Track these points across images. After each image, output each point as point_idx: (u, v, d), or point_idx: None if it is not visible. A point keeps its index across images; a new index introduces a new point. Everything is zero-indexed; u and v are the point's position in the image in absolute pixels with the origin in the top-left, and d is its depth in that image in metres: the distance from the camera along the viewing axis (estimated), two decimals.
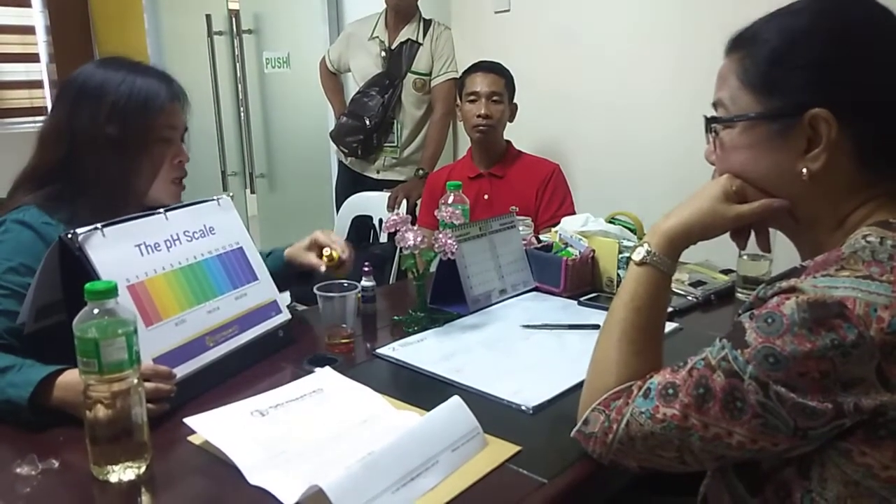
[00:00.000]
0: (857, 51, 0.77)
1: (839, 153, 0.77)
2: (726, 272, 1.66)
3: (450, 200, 1.60)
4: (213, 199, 1.30)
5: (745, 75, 0.82)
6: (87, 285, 0.86)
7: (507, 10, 2.70)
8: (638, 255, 0.89)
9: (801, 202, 0.82)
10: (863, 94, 0.77)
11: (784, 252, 0.92)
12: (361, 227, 2.84)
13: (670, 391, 0.77)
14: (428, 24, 2.85)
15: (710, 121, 0.87)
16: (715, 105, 0.87)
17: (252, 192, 3.86)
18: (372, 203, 2.83)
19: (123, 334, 0.86)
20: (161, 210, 1.18)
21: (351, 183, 2.99)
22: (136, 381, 0.88)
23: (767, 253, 0.91)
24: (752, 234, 0.91)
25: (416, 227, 1.35)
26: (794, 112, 0.77)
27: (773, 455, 0.73)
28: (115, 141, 1.23)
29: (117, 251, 1.07)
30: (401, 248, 1.36)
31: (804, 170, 0.78)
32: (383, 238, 2.76)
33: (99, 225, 1.06)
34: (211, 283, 1.19)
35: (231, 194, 1.99)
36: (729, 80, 0.84)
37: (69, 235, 1.03)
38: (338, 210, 2.98)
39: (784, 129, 0.79)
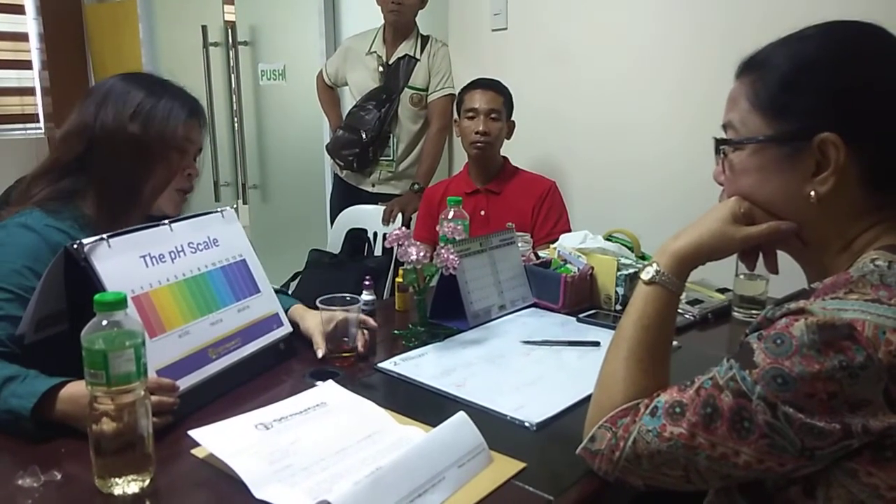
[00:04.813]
0: (867, 77, 0.78)
1: (847, 177, 0.78)
2: (723, 291, 1.67)
3: (450, 216, 1.61)
4: (217, 212, 1.30)
5: (755, 98, 0.83)
6: (97, 296, 0.86)
7: (505, 29, 2.73)
8: (647, 275, 0.90)
9: (808, 225, 0.83)
10: (871, 120, 0.78)
11: (780, 272, 0.94)
12: (356, 241, 2.84)
13: (677, 410, 0.78)
14: (425, 40, 2.87)
15: (719, 142, 0.88)
16: (725, 127, 0.88)
17: (244, 202, 3.86)
18: (367, 216, 2.83)
19: (132, 346, 0.85)
20: (166, 221, 1.18)
21: (346, 196, 2.99)
22: (142, 393, 0.88)
23: (775, 274, 0.92)
24: (761, 255, 0.92)
25: (418, 242, 1.36)
26: (804, 136, 0.79)
27: (778, 475, 0.74)
28: (134, 141, 1.25)
29: (122, 262, 1.07)
30: (402, 263, 1.37)
31: (812, 193, 0.80)
32: (378, 251, 2.76)
33: (105, 235, 1.06)
34: (214, 295, 1.19)
35: (235, 206, 1.98)
36: (739, 102, 0.85)
37: (75, 246, 1.03)
38: (332, 222, 2.98)
39: (793, 153, 0.80)
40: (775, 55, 0.83)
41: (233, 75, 3.82)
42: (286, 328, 1.32)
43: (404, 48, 2.84)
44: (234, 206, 3.80)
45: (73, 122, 1.29)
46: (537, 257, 1.78)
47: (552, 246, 1.78)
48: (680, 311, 1.55)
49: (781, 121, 0.81)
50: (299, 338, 1.36)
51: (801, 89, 0.80)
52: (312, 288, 2.51)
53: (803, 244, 0.85)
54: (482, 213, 2.30)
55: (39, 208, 1.21)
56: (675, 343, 1.39)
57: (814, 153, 0.79)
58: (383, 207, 2.75)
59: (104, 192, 1.26)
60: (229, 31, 3.77)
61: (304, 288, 2.67)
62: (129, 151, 1.26)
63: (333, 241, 2.89)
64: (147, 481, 0.89)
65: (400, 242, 1.36)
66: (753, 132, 0.83)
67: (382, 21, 2.86)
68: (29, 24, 4.35)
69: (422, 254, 1.35)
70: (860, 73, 0.79)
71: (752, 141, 0.83)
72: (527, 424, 1.06)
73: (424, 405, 1.15)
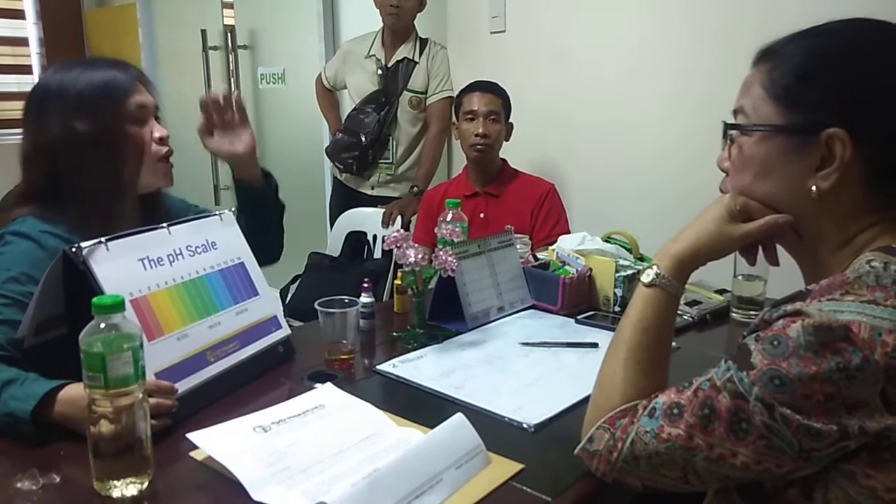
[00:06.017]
0: (882, 77, 0.78)
1: (850, 175, 0.78)
2: (721, 292, 1.67)
3: (448, 218, 1.61)
4: (216, 214, 1.30)
5: (770, 85, 0.83)
6: (94, 300, 0.86)
7: (503, 31, 2.73)
8: (647, 278, 0.90)
9: (806, 219, 0.84)
10: (882, 119, 0.78)
11: (778, 273, 0.94)
12: (356, 243, 2.84)
13: (675, 411, 0.78)
14: (424, 43, 2.88)
15: (728, 126, 0.88)
16: (735, 112, 0.88)
17: None
18: (366, 219, 2.84)
19: (129, 349, 0.86)
20: (164, 224, 1.18)
21: (345, 199, 3.00)
22: (140, 395, 0.88)
23: (776, 266, 0.93)
24: (760, 248, 0.92)
25: (416, 245, 1.36)
26: (813, 129, 0.79)
27: (776, 476, 0.74)
28: (89, 136, 1.22)
29: (121, 265, 1.07)
30: (401, 265, 1.37)
31: (813, 187, 0.80)
32: (377, 254, 2.76)
33: (103, 239, 1.06)
34: (213, 297, 1.19)
35: (234, 209, 1.98)
36: (753, 88, 0.85)
37: (73, 249, 1.03)
38: (332, 225, 2.99)
39: (800, 145, 0.80)
40: (794, 45, 0.83)
41: (232, 79, 3.83)
42: (285, 330, 1.32)
43: (403, 51, 2.85)
44: (233, 208, 3.79)
45: (24, 143, 1.26)
46: (536, 259, 1.78)
47: (551, 248, 1.78)
48: (678, 312, 1.54)
49: (793, 111, 0.81)
50: (297, 340, 1.36)
51: (815, 82, 0.80)
52: (312, 291, 2.52)
53: (799, 238, 0.86)
54: (481, 215, 2.30)
55: (32, 216, 1.21)
56: (673, 344, 1.39)
57: (820, 148, 0.79)
58: (383, 210, 2.75)
59: (86, 197, 1.24)
60: (229, 34, 3.77)
61: (303, 291, 2.67)
62: (90, 151, 1.23)
63: (333, 244, 2.89)
64: (145, 484, 0.89)
65: (399, 245, 1.37)
66: (764, 119, 0.83)
67: (381, 24, 2.87)
68: (29, 28, 4.37)
69: (420, 256, 1.35)
70: (875, 71, 0.78)
71: (762, 128, 0.83)
72: (525, 426, 1.06)
73: (423, 407, 1.15)
